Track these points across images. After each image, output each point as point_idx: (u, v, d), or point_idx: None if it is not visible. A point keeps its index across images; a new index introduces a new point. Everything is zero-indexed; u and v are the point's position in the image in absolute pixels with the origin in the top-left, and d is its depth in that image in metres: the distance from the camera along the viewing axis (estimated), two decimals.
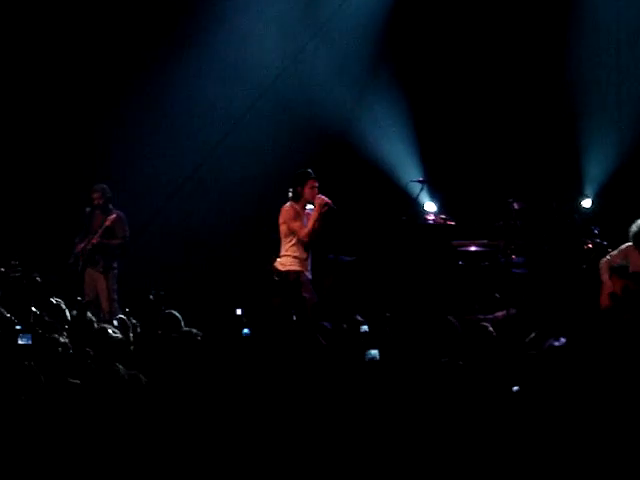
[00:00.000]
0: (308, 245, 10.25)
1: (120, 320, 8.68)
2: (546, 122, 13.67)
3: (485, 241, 12.66)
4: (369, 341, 7.46)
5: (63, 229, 12.42)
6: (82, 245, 11.44)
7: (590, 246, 11.92)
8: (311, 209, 10.29)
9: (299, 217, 10.23)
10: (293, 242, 10.24)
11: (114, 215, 11.43)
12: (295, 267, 10.23)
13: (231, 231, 13.81)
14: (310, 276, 10.39)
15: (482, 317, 11.62)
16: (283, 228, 10.29)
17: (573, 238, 12.03)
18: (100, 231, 11.35)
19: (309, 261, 10.36)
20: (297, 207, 10.27)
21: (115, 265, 11.53)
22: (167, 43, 13.71)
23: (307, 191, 10.24)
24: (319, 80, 14.02)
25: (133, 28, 13.63)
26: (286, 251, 10.28)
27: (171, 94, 13.84)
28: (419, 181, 13.06)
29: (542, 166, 13.41)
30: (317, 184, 10.31)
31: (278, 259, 10.34)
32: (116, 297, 11.42)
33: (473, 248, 12.58)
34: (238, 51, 13.98)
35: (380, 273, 12.73)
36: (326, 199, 10.21)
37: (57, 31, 13.45)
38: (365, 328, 9.40)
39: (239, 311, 9.89)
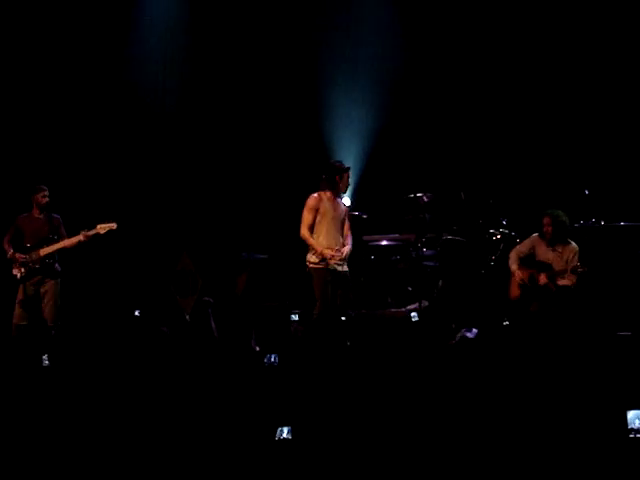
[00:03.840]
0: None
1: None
2: (457, 113, 13.80)
3: (396, 235, 12.73)
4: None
5: None
6: (26, 254, 10.92)
7: (498, 237, 12.05)
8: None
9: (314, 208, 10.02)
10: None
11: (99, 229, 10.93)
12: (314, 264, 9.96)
13: None
14: (341, 268, 9.95)
15: (395, 310, 11.74)
16: None
17: (481, 229, 12.15)
18: (71, 241, 10.84)
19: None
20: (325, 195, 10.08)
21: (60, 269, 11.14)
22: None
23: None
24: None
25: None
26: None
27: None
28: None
29: (451, 158, 13.53)
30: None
31: None
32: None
33: (384, 242, 12.65)
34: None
35: (293, 270, 12.73)
36: None
37: None
38: (294, 317, 9.52)
39: (137, 312, 9.83)
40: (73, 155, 13.70)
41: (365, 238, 12.62)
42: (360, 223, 12.55)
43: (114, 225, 10.57)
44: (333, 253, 9.85)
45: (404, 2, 14.11)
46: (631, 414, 5.78)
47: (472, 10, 13.76)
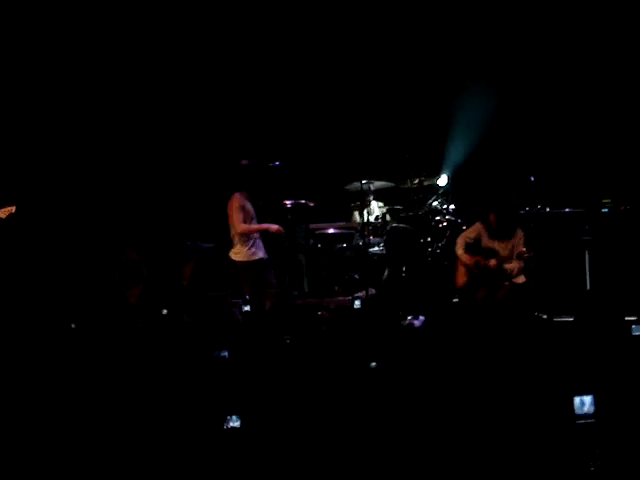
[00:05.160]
0: None
1: None
2: (408, 102, 13.80)
3: (342, 223, 12.69)
4: None
5: None
6: None
7: (445, 224, 12.06)
8: None
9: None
10: None
11: None
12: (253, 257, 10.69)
13: None
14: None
15: (341, 299, 11.71)
16: None
17: (428, 216, 12.15)
18: None
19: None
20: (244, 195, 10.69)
21: None
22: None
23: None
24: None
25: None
26: None
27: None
28: (277, 165, 12.96)
29: (401, 145, 13.50)
30: None
31: None
32: None
33: (331, 230, 12.60)
34: None
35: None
36: None
37: None
38: (247, 308, 9.65)
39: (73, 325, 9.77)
40: (14, 143, 13.51)
41: (312, 226, 12.59)
42: (306, 211, 12.51)
43: (13, 208, 10.48)
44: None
45: None
46: (577, 400, 5.79)
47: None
